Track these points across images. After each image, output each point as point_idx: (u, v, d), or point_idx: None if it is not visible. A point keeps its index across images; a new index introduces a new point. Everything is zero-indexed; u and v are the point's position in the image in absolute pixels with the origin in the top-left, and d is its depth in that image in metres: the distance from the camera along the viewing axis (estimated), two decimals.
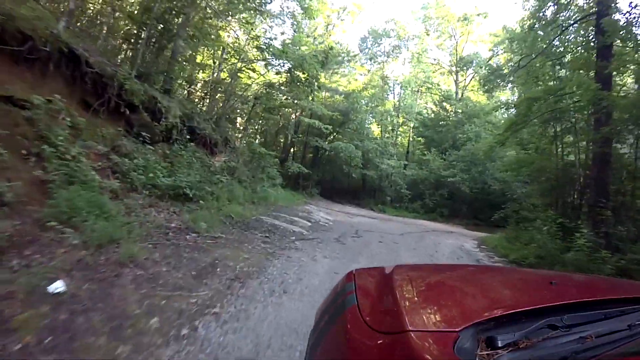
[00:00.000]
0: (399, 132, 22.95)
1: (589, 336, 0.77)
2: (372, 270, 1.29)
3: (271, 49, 11.54)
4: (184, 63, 9.69)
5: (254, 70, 13.15)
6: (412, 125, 22.58)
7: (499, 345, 0.71)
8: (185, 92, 11.75)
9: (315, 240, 5.78)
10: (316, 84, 13.74)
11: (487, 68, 15.35)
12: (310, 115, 15.97)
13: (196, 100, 12.10)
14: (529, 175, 10.93)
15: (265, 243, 4.94)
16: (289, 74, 12.83)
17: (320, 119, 15.62)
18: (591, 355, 0.71)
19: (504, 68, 12.95)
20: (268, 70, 13.95)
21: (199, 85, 12.95)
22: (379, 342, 0.78)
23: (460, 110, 21.45)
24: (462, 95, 23.13)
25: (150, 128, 6.02)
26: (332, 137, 17.96)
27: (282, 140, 19.68)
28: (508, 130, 9.08)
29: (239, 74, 12.32)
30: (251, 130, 19.17)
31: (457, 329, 0.74)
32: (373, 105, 19.53)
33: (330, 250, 5.20)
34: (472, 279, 1.38)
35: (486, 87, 13.63)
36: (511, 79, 11.53)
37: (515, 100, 17.17)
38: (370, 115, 19.51)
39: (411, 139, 23.25)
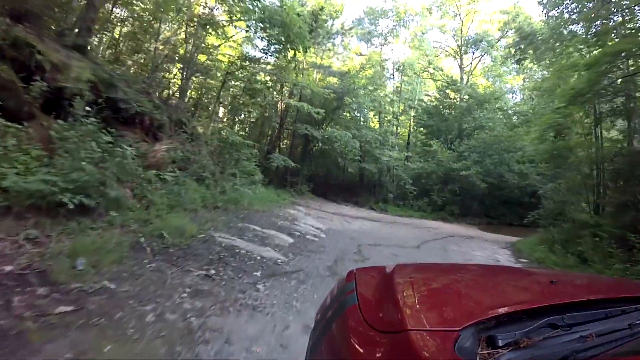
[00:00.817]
0: (399, 121, 22.40)
1: (589, 335, 0.82)
2: (372, 270, 1.34)
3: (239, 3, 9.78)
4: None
5: (222, 32, 11.41)
6: (413, 114, 22.12)
7: (500, 344, 0.76)
8: (107, 52, 10.07)
9: (294, 277, 3.81)
10: (302, 48, 11.71)
11: (518, 32, 13.75)
12: (299, 97, 14.83)
13: (135, 67, 10.37)
14: (565, 166, 9.95)
15: (198, 296, 2.90)
16: (267, 38, 11.19)
17: (310, 103, 14.35)
18: (592, 354, 0.76)
19: (538, 33, 11.39)
20: (245, 42, 12.50)
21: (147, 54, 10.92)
22: (379, 341, 0.82)
23: (467, 97, 20.87)
24: (467, 81, 22.71)
25: (13, 92, 4.04)
26: (325, 124, 16.37)
27: (269, 132, 18.37)
28: (572, 103, 7.18)
29: (204, 34, 10.64)
30: (235, 120, 18.00)
31: (457, 328, 0.78)
32: (371, 88, 17.99)
33: (320, 299, 2.94)
34: (473, 278, 1.43)
35: (516, 58, 12.78)
36: (550, 44, 10.03)
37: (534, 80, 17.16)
38: (369, 100, 18.18)
39: (412, 130, 22.82)
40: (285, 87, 15.66)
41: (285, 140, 18.52)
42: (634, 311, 0.98)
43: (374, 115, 21.65)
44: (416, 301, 1.01)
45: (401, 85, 21.86)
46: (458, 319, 0.85)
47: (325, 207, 12.54)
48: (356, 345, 0.87)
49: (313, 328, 1.24)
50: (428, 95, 23.63)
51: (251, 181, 9.49)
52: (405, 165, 18.68)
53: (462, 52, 24.07)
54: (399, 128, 22.59)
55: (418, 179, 18.11)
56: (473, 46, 23.69)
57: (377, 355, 0.80)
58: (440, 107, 21.78)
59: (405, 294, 1.02)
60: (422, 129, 22.32)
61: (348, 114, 18.54)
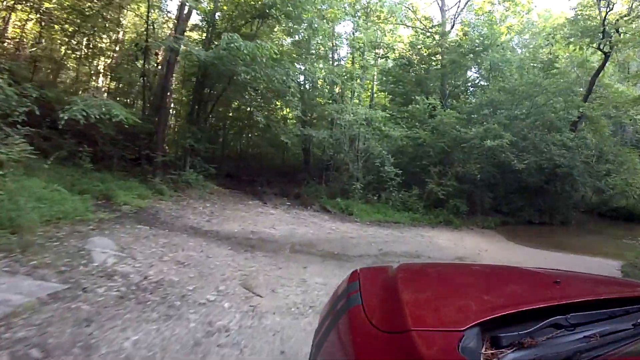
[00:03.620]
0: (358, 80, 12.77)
1: (593, 335, 0.83)
2: (376, 270, 1.35)
3: None
4: None
5: None
6: (375, 72, 14.63)
7: (504, 344, 0.77)
8: None
9: None
10: None
11: None
12: None
13: None
14: None
15: None
16: None
17: None
18: (596, 354, 0.76)
19: None
20: None
21: None
22: (383, 341, 0.83)
23: (456, 42, 13.93)
24: (452, 27, 15.45)
25: None
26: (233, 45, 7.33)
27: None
28: None
29: None
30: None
31: (461, 328, 0.79)
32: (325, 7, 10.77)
33: None
34: (477, 277, 1.44)
35: None
36: None
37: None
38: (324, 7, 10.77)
39: (375, 93, 15.83)
40: None
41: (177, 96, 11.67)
42: (638, 311, 0.97)
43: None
44: (420, 301, 1.02)
45: (355, 29, 12.64)
46: (462, 319, 0.85)
47: (224, 215, 6.94)
48: (360, 346, 0.88)
49: (317, 328, 1.25)
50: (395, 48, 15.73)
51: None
52: (383, 133, 11.30)
53: None
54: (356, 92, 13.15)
55: (401, 157, 11.32)
56: None
57: (381, 355, 0.81)
58: (415, 61, 15.05)
59: (409, 294, 1.02)
60: (383, 93, 15.58)
61: (283, 25, 10.26)
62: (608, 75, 14.22)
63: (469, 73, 15.68)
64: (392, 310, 0.93)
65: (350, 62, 13.50)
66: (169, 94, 9.92)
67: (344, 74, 11.37)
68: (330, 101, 11.79)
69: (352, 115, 10.53)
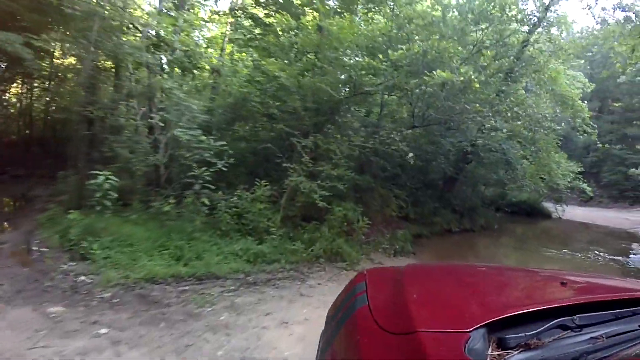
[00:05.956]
0: None
1: (600, 337, 0.83)
2: (383, 270, 1.36)
3: None
4: None
5: None
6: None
7: (510, 345, 0.77)
8: None
9: None
10: None
11: None
12: None
13: None
14: None
15: None
16: None
17: None
18: (602, 355, 0.77)
19: None
20: None
21: None
22: (390, 342, 0.84)
23: None
24: None
25: None
26: None
27: None
28: None
29: None
30: None
31: (468, 330, 0.79)
32: None
33: None
34: (483, 279, 1.43)
35: None
36: None
37: None
38: None
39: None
40: None
41: None
42: None
43: None
44: (426, 302, 1.02)
45: None
46: (468, 320, 0.86)
47: None
48: (366, 347, 0.88)
49: (324, 329, 1.25)
50: None
51: None
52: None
53: None
54: None
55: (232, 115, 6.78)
56: None
57: (388, 356, 0.81)
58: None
59: (415, 295, 1.03)
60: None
61: None
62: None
63: None
64: (399, 311, 0.94)
65: None
66: None
67: None
68: None
69: None
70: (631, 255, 7.95)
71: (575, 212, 14.81)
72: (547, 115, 8.08)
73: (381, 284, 1.19)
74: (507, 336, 0.79)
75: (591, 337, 0.83)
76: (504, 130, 8.29)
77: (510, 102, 7.47)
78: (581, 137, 16.29)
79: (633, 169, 16.59)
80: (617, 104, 23.12)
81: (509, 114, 7.31)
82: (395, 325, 0.88)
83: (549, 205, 13.82)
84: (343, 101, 6.25)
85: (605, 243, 9.33)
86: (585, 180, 12.30)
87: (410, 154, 5.91)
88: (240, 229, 4.97)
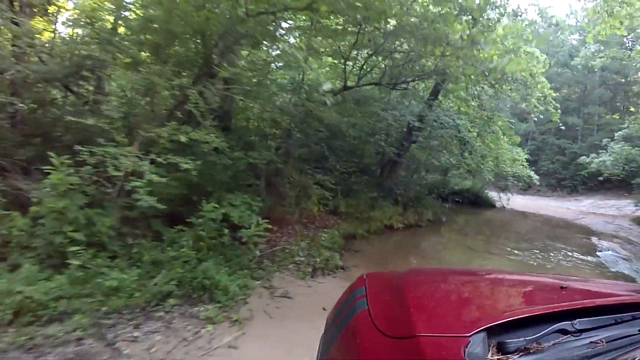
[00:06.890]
0: None
1: (599, 341, 0.83)
2: (383, 274, 1.36)
3: None
4: None
5: None
6: None
7: (510, 349, 0.77)
8: None
9: None
10: None
11: None
12: None
13: None
14: None
15: None
16: None
17: None
18: None
19: None
20: None
21: None
22: (390, 347, 0.84)
23: None
24: None
25: None
26: None
27: None
28: None
29: None
30: None
31: (467, 334, 0.79)
32: None
33: None
34: (483, 283, 1.43)
35: None
36: None
37: None
38: None
39: None
40: None
41: None
42: None
43: None
44: (426, 306, 1.02)
45: None
46: (468, 324, 0.86)
47: None
48: (366, 351, 0.88)
49: (323, 333, 1.25)
50: None
51: None
52: None
53: None
54: None
55: None
56: None
57: None
58: None
59: (415, 299, 1.03)
60: None
61: None
62: None
63: None
64: (399, 315, 0.94)
65: None
66: None
67: None
68: None
69: None
70: (598, 253, 7.49)
71: (517, 201, 13.96)
72: (516, 79, 6.61)
73: (381, 288, 1.19)
74: (507, 340, 0.79)
75: (591, 342, 0.83)
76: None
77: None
78: (523, 125, 15.67)
79: (584, 157, 16.04)
80: (556, 94, 23.43)
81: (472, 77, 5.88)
82: (395, 330, 0.88)
83: (492, 194, 12.85)
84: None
85: (566, 239, 8.64)
86: (533, 168, 11.78)
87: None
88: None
